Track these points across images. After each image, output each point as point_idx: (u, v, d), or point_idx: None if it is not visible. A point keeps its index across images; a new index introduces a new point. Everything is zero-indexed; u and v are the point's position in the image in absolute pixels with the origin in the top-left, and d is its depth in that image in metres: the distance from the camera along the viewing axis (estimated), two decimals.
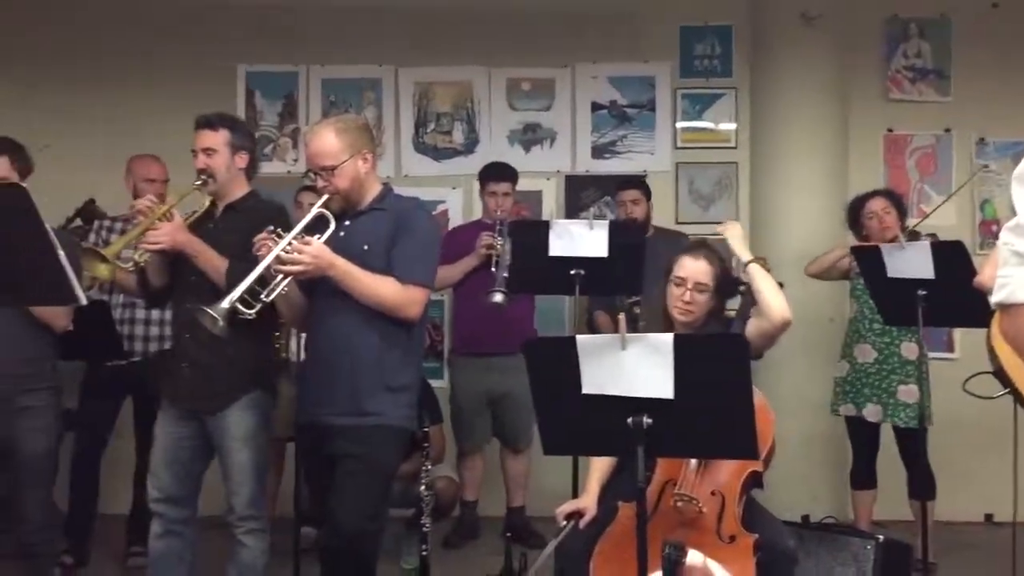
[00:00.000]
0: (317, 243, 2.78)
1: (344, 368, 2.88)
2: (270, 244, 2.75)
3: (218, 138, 3.20)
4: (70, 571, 4.17)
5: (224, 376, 3.15)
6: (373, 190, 3.01)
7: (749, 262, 3.04)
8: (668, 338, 2.24)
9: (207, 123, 3.23)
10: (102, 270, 3.10)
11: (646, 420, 2.25)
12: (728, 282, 3.05)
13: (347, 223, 2.96)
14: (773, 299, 2.97)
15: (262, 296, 2.74)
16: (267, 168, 5.30)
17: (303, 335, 3.69)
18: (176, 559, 3.25)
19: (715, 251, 3.11)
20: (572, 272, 3.75)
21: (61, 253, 2.37)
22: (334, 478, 2.86)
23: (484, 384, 4.67)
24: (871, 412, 4.26)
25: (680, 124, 5.45)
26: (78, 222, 4.68)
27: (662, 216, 5.14)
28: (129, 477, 4.44)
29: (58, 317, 3.25)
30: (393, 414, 2.91)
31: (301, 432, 3.08)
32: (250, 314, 2.74)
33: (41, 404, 3.26)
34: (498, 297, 4.23)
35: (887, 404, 4.21)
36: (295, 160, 5.42)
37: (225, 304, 2.67)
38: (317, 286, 2.92)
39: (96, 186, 4.77)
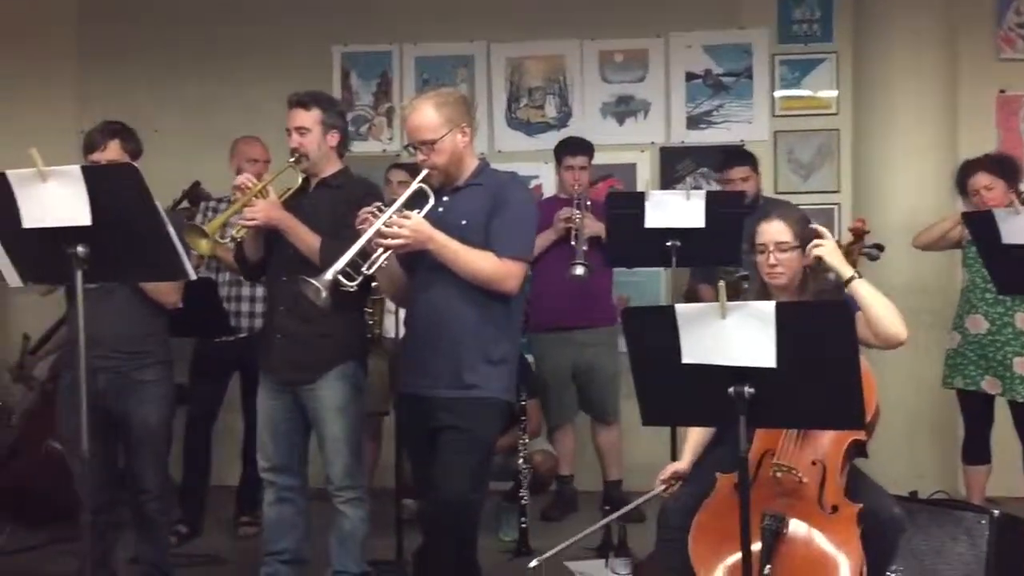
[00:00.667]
0: (416, 217, 2.81)
1: (444, 341, 2.90)
2: (371, 218, 2.79)
3: (310, 117, 3.27)
4: (185, 539, 4.35)
5: (316, 348, 3.22)
6: (470, 165, 3.02)
7: (850, 279, 2.78)
8: (770, 306, 2.20)
9: (300, 103, 3.30)
10: (203, 246, 3.20)
11: (748, 390, 2.21)
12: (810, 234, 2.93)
13: (445, 199, 2.98)
14: (886, 318, 2.74)
15: (363, 269, 2.78)
16: (362, 147, 5.41)
17: (399, 313, 3.74)
18: (289, 525, 3.35)
19: (790, 208, 3.01)
20: (668, 243, 3.70)
21: (171, 230, 2.46)
22: (435, 450, 2.90)
23: (567, 358, 4.67)
24: (990, 385, 4.09)
25: (778, 92, 5.31)
26: (185, 204, 4.83)
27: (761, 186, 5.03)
28: (238, 450, 4.60)
29: (168, 294, 3.37)
30: (493, 387, 2.92)
31: (401, 404, 3.12)
32: (351, 286, 2.79)
33: (154, 378, 3.39)
34: (579, 270, 4.23)
35: (1004, 377, 4.05)
36: (390, 139, 5.49)
37: (328, 276, 2.72)
38: (416, 261, 2.96)
39: (201, 169, 4.90)
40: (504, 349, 2.96)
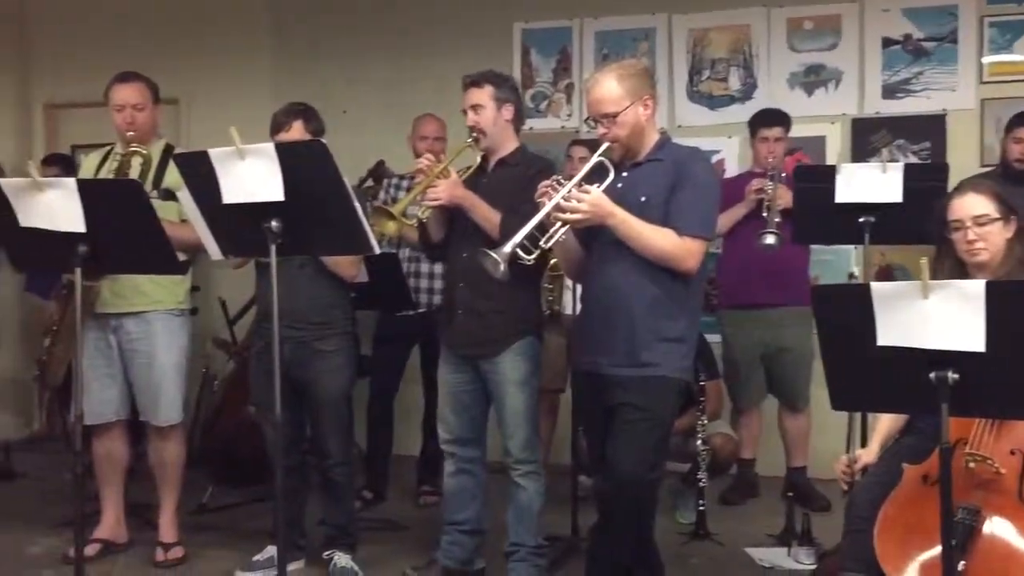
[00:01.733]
0: (596, 192, 2.77)
1: (620, 319, 2.86)
2: (551, 192, 2.77)
3: (483, 94, 3.29)
4: (369, 504, 4.52)
5: (497, 323, 3.25)
6: (651, 139, 2.95)
7: None
8: (979, 284, 2.03)
9: (472, 81, 3.34)
10: (390, 227, 3.28)
11: (951, 375, 2.05)
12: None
13: (625, 174, 2.92)
14: None
15: (541, 243, 2.78)
16: (542, 124, 5.42)
17: (577, 289, 3.72)
18: (469, 496, 3.42)
19: (981, 180, 2.76)
20: (861, 220, 3.50)
21: (358, 205, 2.53)
22: (611, 427, 2.87)
23: (757, 338, 4.51)
24: None
25: (987, 58, 4.92)
26: (370, 182, 4.98)
27: (965, 159, 4.69)
28: (419, 421, 4.72)
29: (349, 267, 3.50)
30: (670, 365, 2.86)
31: (577, 381, 3.10)
32: (529, 260, 2.79)
33: (335, 348, 3.52)
34: (770, 239, 4.07)
35: None
36: (569, 115, 5.46)
37: (507, 248, 2.73)
38: (594, 237, 2.92)
39: (385, 148, 5.05)
40: (682, 327, 2.89)
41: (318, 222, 2.53)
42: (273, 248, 2.52)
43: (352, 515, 3.72)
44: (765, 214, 4.22)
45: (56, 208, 2.54)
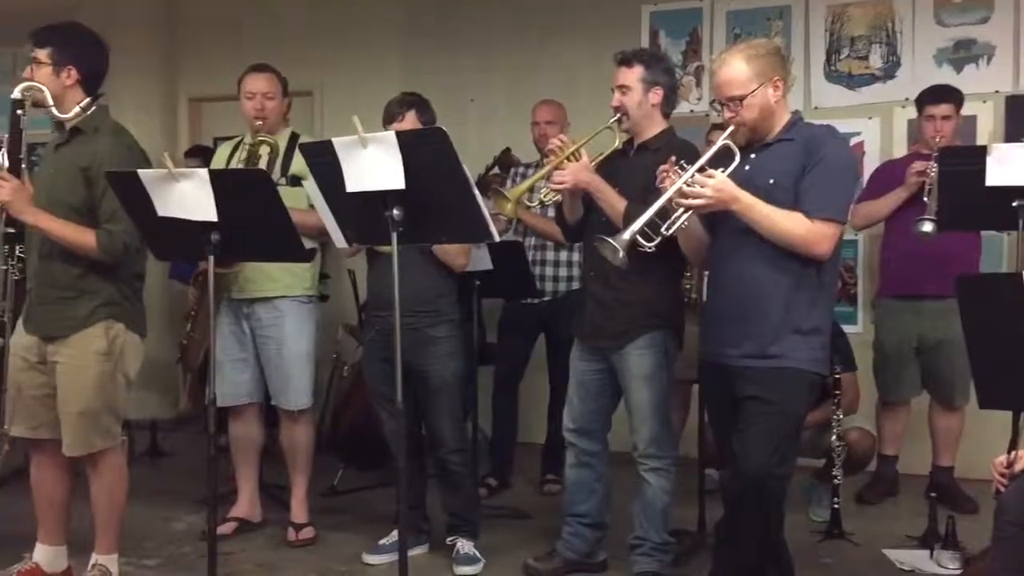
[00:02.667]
0: (720, 176, 2.67)
1: (749, 309, 2.75)
2: (673, 177, 2.69)
3: (631, 75, 3.20)
4: (494, 492, 4.53)
5: (623, 315, 3.18)
6: (782, 120, 2.82)
7: None
8: None
9: (623, 60, 3.24)
10: (508, 208, 3.24)
11: None
12: None
13: (753, 156, 2.81)
14: None
15: (662, 230, 2.69)
16: None
17: None
18: (588, 490, 3.37)
19: None
20: (1015, 204, 3.27)
21: (477, 192, 2.51)
22: (739, 421, 2.77)
23: (914, 330, 4.28)
24: None
25: None
26: (496, 170, 4.98)
27: None
28: (545, 409, 4.70)
29: (459, 257, 3.50)
30: (802, 357, 2.74)
31: (704, 371, 3.01)
32: (650, 247, 2.71)
33: (446, 335, 3.53)
34: (927, 226, 3.86)
35: None
36: (698, 99, 5.32)
37: (626, 235, 2.66)
38: (720, 222, 2.82)
39: (513, 136, 5.03)
40: (815, 318, 2.76)
41: (438, 210, 2.53)
42: (395, 236, 2.53)
43: (473, 502, 3.74)
44: (925, 198, 3.99)
45: (190, 198, 2.63)
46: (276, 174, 3.67)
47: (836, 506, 3.84)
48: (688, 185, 2.64)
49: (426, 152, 2.44)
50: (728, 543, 2.94)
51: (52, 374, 3.08)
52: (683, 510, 3.69)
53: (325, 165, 2.56)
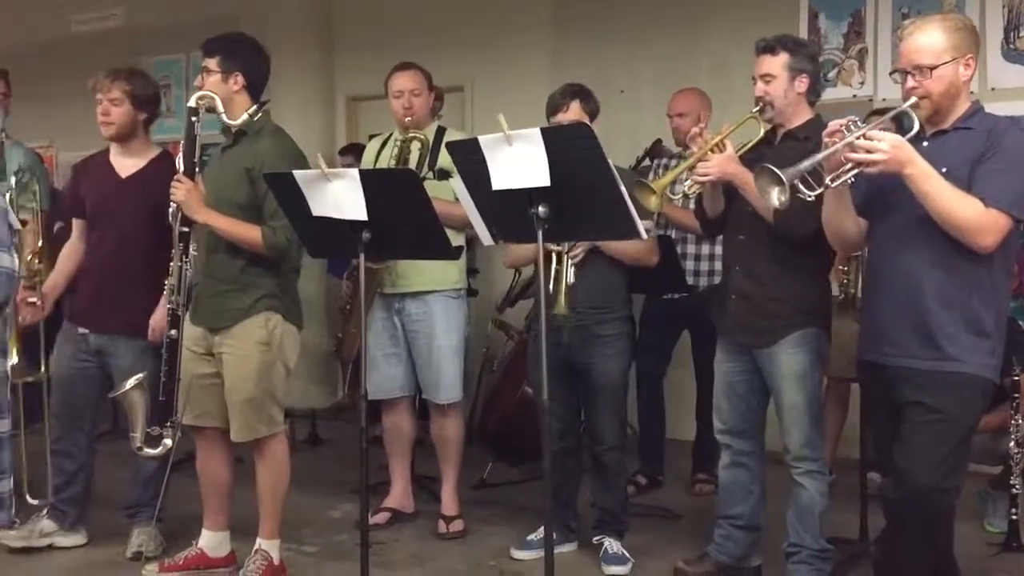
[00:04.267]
0: (896, 136, 2.49)
1: (913, 305, 2.58)
2: (844, 132, 2.52)
3: (776, 63, 3.08)
4: (643, 490, 4.46)
5: (771, 312, 3.06)
6: (963, 106, 2.62)
7: None
8: None
9: (766, 48, 3.12)
10: (652, 202, 3.17)
11: None
12: None
13: (926, 143, 2.62)
14: None
15: (827, 180, 2.52)
16: (831, 94, 5.04)
17: None
18: (743, 491, 3.26)
19: None
20: None
21: (623, 189, 2.45)
22: (900, 426, 2.60)
23: None
24: None
25: None
26: (647, 162, 4.89)
27: None
28: (693, 405, 4.59)
29: (650, 255, 3.50)
30: (972, 361, 2.54)
31: (862, 372, 2.84)
32: (810, 196, 2.53)
33: (615, 332, 3.50)
34: None
35: None
36: (861, 83, 5.07)
37: (792, 170, 2.47)
38: (882, 214, 2.66)
39: (663, 127, 4.91)
40: (987, 319, 2.55)
41: (585, 207, 2.48)
42: (540, 234, 2.50)
43: (624, 500, 3.69)
44: None
45: (342, 198, 2.69)
46: (424, 169, 3.73)
47: (1014, 517, 3.57)
48: (861, 140, 2.46)
49: (571, 148, 2.40)
50: (889, 559, 2.76)
51: (218, 364, 3.24)
52: (844, 515, 3.52)
53: (471, 163, 2.56)
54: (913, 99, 2.57)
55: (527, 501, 4.22)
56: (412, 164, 3.73)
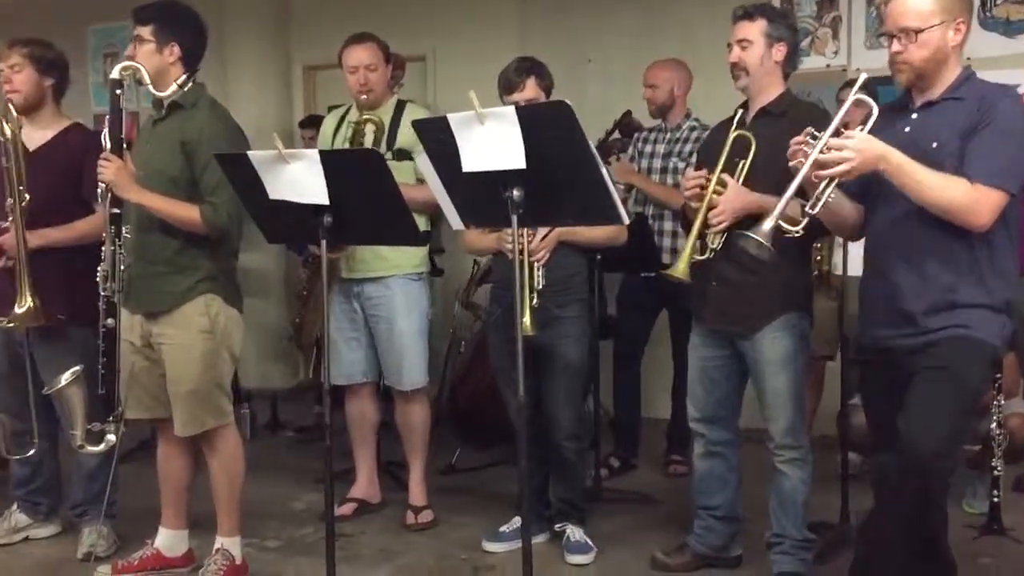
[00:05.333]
0: (859, 134, 2.37)
1: (916, 287, 2.45)
2: (805, 149, 2.39)
3: (754, 28, 2.95)
4: (617, 473, 4.36)
5: (755, 297, 2.93)
6: (953, 73, 2.49)
7: None
8: None
9: (745, 14, 2.98)
10: (681, 271, 2.97)
11: None
12: None
13: (914, 116, 2.50)
14: None
15: (807, 208, 2.41)
16: (805, 63, 4.88)
17: (848, 246, 3.33)
18: (720, 481, 3.16)
19: None
20: None
21: (604, 171, 2.30)
22: (904, 399, 2.43)
23: None
24: None
25: None
26: (616, 135, 4.73)
27: None
28: (669, 385, 4.48)
29: (620, 234, 3.34)
30: (981, 328, 2.42)
31: (866, 359, 2.70)
32: (796, 231, 2.44)
33: (575, 315, 3.35)
34: None
35: None
36: (835, 52, 4.94)
37: (766, 226, 2.38)
38: (870, 189, 2.53)
39: (633, 98, 4.76)
40: (994, 295, 2.44)
41: (562, 190, 2.32)
42: (515, 219, 2.34)
43: (582, 488, 3.57)
44: None
45: (301, 180, 2.51)
46: (382, 149, 3.53)
47: (996, 499, 3.51)
48: (824, 153, 2.35)
49: (549, 128, 2.23)
50: (877, 539, 2.63)
51: (159, 355, 3.05)
52: (823, 496, 3.44)
53: (440, 143, 2.39)
54: (864, 76, 2.45)
55: (498, 488, 4.10)
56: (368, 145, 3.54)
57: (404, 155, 3.56)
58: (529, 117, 2.25)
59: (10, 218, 3.17)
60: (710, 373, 3.11)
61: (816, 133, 2.41)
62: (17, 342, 3.35)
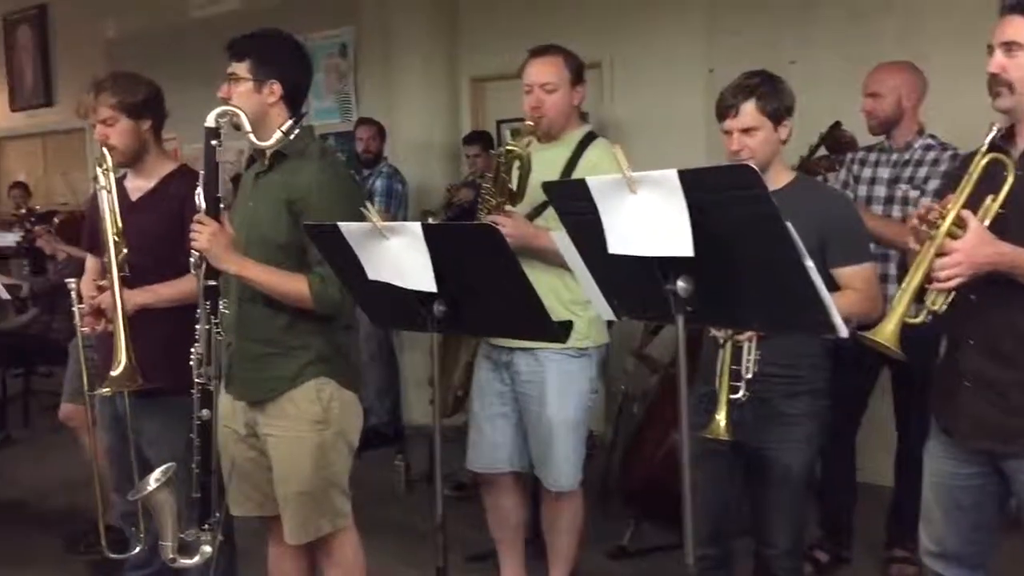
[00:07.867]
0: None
1: None
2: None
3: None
4: (824, 571, 3.60)
5: None
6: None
7: None
8: None
9: (1012, 6, 2.13)
10: (888, 333, 2.22)
11: None
12: None
13: None
14: None
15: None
16: None
17: None
18: None
19: None
20: None
21: (809, 263, 1.59)
22: None
23: None
24: None
25: None
26: (823, 151, 3.93)
27: None
28: (887, 441, 3.64)
29: (874, 308, 2.58)
30: None
31: None
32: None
33: (802, 412, 2.58)
34: None
35: None
36: None
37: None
38: None
39: (844, 106, 3.96)
40: None
41: (747, 286, 1.64)
42: (680, 319, 1.69)
43: None
44: None
45: (402, 260, 1.95)
46: (530, 190, 2.92)
47: None
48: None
49: (727, 202, 1.56)
50: None
51: (263, 445, 2.60)
52: None
53: (578, 213, 1.77)
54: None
55: (677, 569, 3.41)
56: (514, 186, 2.92)
57: None
58: (699, 185, 1.58)
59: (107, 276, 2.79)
60: (953, 494, 2.29)
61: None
62: (122, 414, 2.98)
